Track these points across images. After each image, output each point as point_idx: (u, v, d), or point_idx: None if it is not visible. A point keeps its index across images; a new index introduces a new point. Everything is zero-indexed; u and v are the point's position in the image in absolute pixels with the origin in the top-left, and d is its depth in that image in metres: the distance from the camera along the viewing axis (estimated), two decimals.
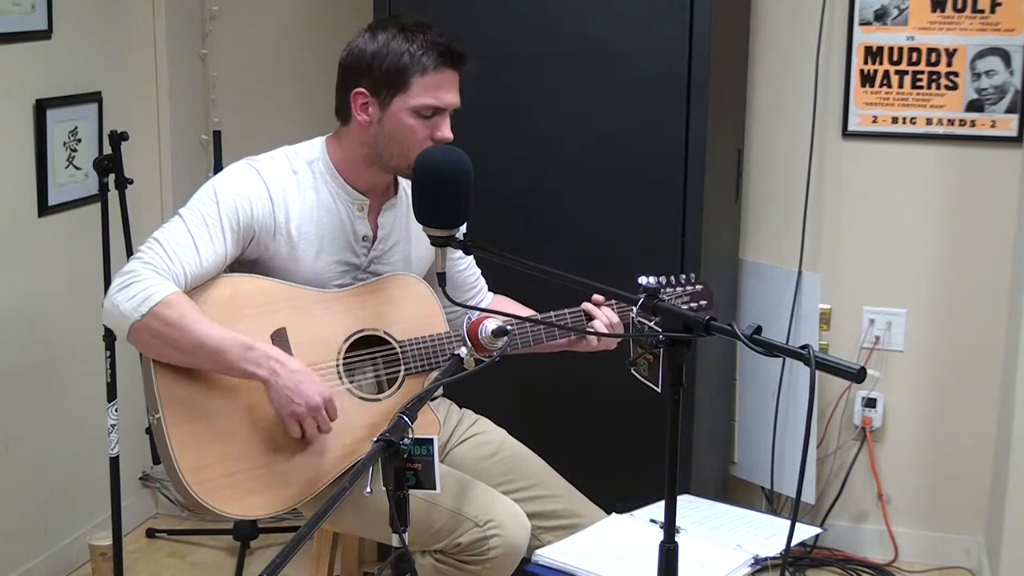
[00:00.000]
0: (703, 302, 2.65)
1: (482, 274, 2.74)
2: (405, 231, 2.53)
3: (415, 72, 2.34)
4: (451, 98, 2.38)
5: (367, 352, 2.42)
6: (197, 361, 2.25)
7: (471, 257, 2.68)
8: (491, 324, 2.25)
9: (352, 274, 2.46)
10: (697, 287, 2.64)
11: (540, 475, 2.60)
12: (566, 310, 2.53)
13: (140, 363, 2.32)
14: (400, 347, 2.42)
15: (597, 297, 2.54)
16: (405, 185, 2.51)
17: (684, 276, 2.63)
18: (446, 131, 2.36)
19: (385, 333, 2.43)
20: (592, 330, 2.52)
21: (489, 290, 2.75)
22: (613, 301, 2.55)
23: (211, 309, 2.28)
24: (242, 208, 2.34)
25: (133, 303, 2.21)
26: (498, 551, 2.36)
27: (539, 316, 2.53)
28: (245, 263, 2.40)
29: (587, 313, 2.53)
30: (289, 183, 2.40)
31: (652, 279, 2.52)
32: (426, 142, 2.35)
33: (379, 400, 2.41)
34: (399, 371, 2.42)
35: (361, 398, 2.39)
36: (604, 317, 2.52)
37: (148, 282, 2.23)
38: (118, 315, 2.23)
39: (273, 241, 2.37)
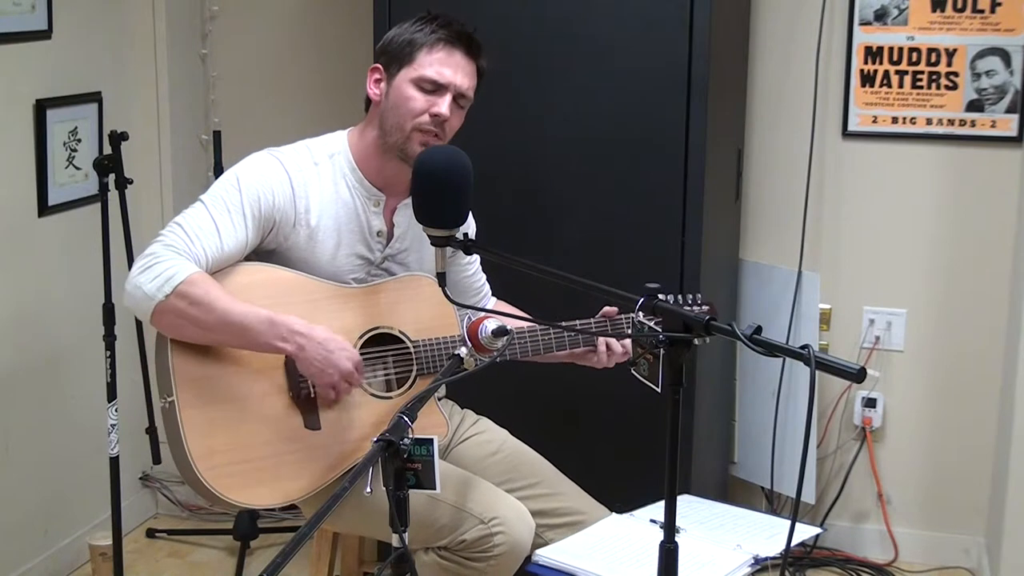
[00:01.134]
0: None
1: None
2: (419, 233, 2.52)
3: (422, 46, 2.38)
4: (453, 77, 2.39)
5: (380, 349, 2.42)
6: (221, 338, 2.27)
7: (477, 263, 2.69)
8: (491, 324, 2.25)
9: (366, 268, 2.47)
10: (703, 307, 2.63)
11: (542, 473, 2.60)
12: (576, 321, 2.53)
13: (155, 346, 2.32)
14: (413, 347, 2.43)
15: (609, 310, 2.54)
16: None
17: (691, 296, 2.62)
18: (442, 107, 2.38)
19: (400, 332, 2.43)
20: (591, 329, 2.52)
21: (493, 295, 2.76)
22: (622, 317, 2.54)
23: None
24: (264, 197, 2.35)
25: (156, 283, 2.22)
26: (503, 548, 2.36)
27: (549, 324, 2.52)
28: (262, 253, 2.41)
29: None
30: (310, 175, 2.41)
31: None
32: (422, 116, 2.37)
33: (391, 398, 2.41)
34: (411, 370, 2.43)
35: (373, 395, 2.40)
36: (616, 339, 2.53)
37: (170, 262, 2.24)
38: (142, 297, 2.24)
39: (293, 232, 2.39)
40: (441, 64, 2.38)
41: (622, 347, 2.52)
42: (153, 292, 2.22)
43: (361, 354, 2.38)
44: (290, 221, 2.38)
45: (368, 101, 2.47)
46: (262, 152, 2.43)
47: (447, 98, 2.38)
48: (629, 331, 2.52)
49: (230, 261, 2.33)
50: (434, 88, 2.38)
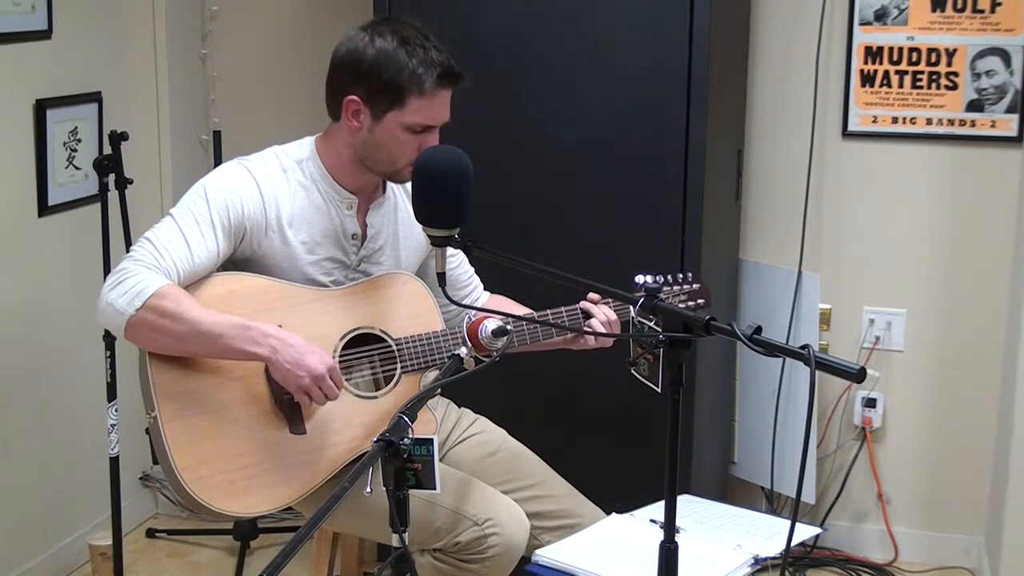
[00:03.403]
0: (701, 301, 2.65)
1: (481, 274, 2.74)
2: (393, 231, 2.53)
3: (413, 91, 2.33)
4: (444, 116, 2.39)
5: (363, 350, 2.42)
6: (196, 348, 2.26)
7: (463, 256, 2.68)
8: (491, 324, 2.25)
9: (343, 272, 2.47)
10: (695, 286, 2.64)
11: (539, 475, 2.60)
12: (563, 308, 2.54)
13: (137, 363, 2.32)
14: (396, 345, 2.42)
15: (593, 295, 2.54)
16: (393, 185, 2.53)
17: (682, 275, 2.64)
18: (433, 143, 2.37)
19: (381, 331, 2.43)
20: (591, 329, 2.52)
21: (486, 289, 2.75)
22: (610, 299, 2.55)
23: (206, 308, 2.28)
24: (233, 206, 2.34)
25: (127, 298, 2.22)
26: (497, 550, 2.36)
27: (537, 315, 2.53)
28: (237, 262, 2.40)
29: (585, 311, 2.53)
30: (279, 181, 2.40)
31: (649, 278, 2.52)
32: (414, 153, 2.35)
33: (376, 398, 2.41)
34: (395, 369, 2.43)
35: (357, 395, 2.39)
36: (602, 315, 2.52)
37: (140, 276, 2.23)
38: (113, 313, 2.23)
39: (265, 239, 2.38)
40: (433, 108, 2.35)
41: (604, 326, 2.51)
42: (124, 307, 2.21)
43: (344, 355, 2.38)
44: (261, 228, 2.37)
45: (332, 107, 2.41)
46: (230, 162, 2.42)
47: (436, 132, 2.38)
48: (629, 331, 2.52)
49: (202, 272, 2.32)
50: (425, 129, 2.37)
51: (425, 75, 2.33)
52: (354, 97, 2.36)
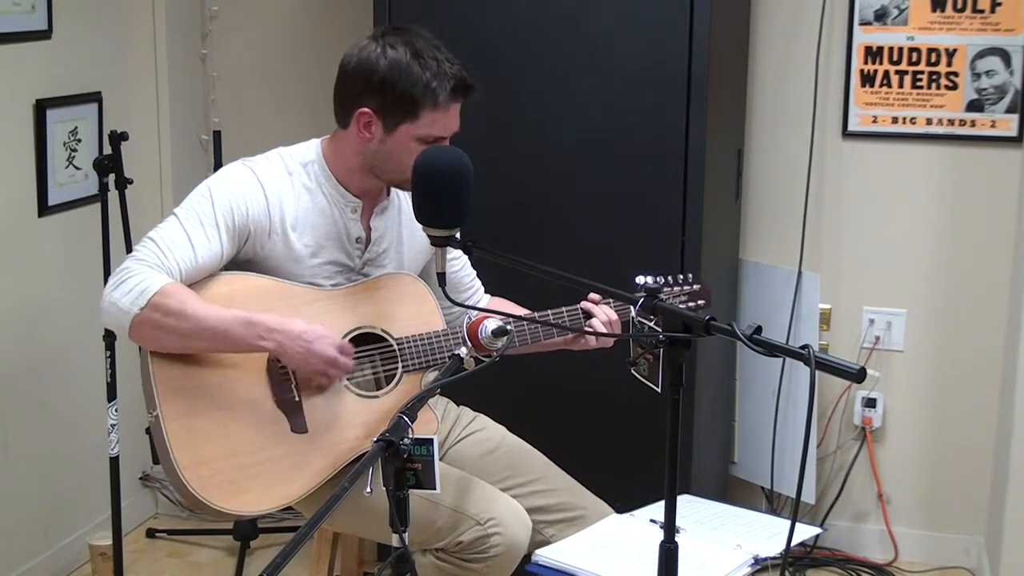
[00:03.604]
0: (701, 301, 2.66)
1: (482, 274, 2.74)
2: (397, 234, 2.54)
3: (427, 105, 2.34)
4: (455, 127, 2.40)
5: (365, 350, 2.42)
6: (201, 345, 2.26)
7: (465, 258, 2.69)
8: (491, 324, 2.25)
9: (346, 275, 2.47)
10: (695, 287, 2.64)
11: (541, 469, 2.60)
12: (564, 309, 2.54)
13: (139, 363, 2.32)
14: (398, 344, 2.43)
15: (594, 296, 2.54)
16: (396, 189, 2.53)
17: (682, 276, 2.64)
18: None
19: (382, 331, 2.43)
20: (591, 329, 2.52)
21: (487, 292, 2.75)
22: (611, 300, 2.55)
23: None
24: (237, 207, 2.34)
25: (131, 297, 2.22)
26: (499, 549, 2.37)
27: (537, 315, 2.54)
28: (240, 263, 2.40)
29: (585, 311, 2.54)
30: (284, 184, 2.40)
31: (650, 278, 2.53)
32: None
33: (377, 397, 2.41)
34: (397, 368, 2.43)
35: (359, 395, 2.40)
36: (603, 315, 2.53)
37: (143, 275, 2.23)
38: (117, 312, 2.23)
39: (268, 241, 2.38)
40: (446, 120, 2.37)
41: (605, 326, 2.51)
42: (128, 306, 2.22)
43: None
44: (265, 231, 2.37)
45: (341, 116, 2.42)
46: (235, 163, 2.42)
47: (446, 142, 2.39)
48: (629, 331, 2.52)
49: (205, 273, 2.32)
50: (436, 140, 2.38)
51: (439, 88, 2.33)
52: (366, 109, 2.36)
